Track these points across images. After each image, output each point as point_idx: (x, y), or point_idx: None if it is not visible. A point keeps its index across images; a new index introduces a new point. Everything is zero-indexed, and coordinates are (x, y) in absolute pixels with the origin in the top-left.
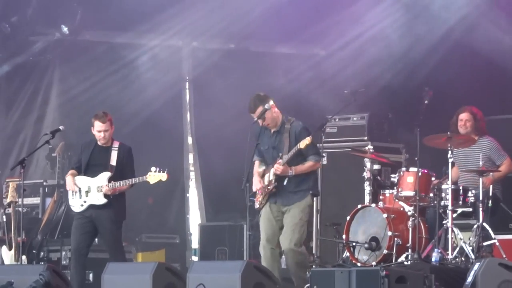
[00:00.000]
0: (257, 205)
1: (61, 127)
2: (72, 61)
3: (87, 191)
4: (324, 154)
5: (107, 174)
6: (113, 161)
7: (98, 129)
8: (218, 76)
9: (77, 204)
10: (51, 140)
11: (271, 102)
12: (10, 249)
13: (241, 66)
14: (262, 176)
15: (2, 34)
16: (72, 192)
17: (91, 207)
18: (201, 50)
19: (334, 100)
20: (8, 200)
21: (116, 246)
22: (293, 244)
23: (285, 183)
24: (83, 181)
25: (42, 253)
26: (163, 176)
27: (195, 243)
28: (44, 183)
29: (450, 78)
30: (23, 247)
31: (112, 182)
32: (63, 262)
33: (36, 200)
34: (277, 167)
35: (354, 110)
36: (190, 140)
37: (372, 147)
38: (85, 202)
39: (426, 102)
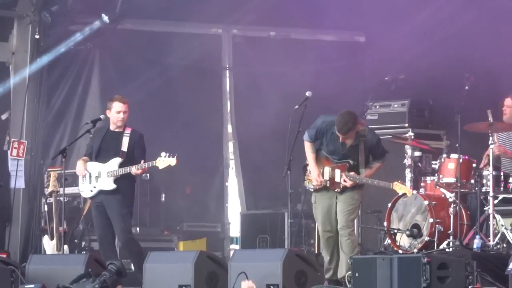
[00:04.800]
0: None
1: (101, 117)
2: (112, 50)
3: (97, 177)
4: None
5: (117, 160)
6: (124, 147)
7: (118, 109)
8: (258, 64)
9: (86, 190)
10: (91, 129)
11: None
12: (52, 238)
13: (282, 54)
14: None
15: (42, 24)
16: (82, 177)
17: (101, 192)
18: (241, 37)
19: (374, 87)
20: (50, 189)
21: (126, 232)
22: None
23: None
24: (93, 166)
25: (83, 243)
26: (172, 161)
27: (233, 232)
28: None
29: (492, 64)
30: (64, 236)
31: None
32: None
33: (77, 190)
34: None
35: (394, 97)
36: (230, 128)
37: (413, 134)
38: (94, 187)
39: (467, 88)
